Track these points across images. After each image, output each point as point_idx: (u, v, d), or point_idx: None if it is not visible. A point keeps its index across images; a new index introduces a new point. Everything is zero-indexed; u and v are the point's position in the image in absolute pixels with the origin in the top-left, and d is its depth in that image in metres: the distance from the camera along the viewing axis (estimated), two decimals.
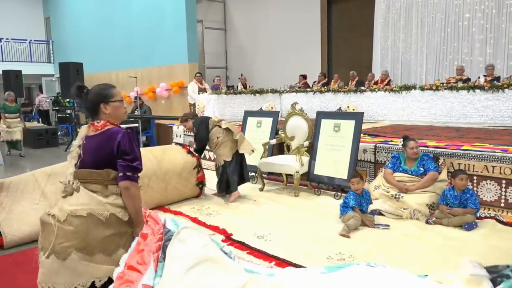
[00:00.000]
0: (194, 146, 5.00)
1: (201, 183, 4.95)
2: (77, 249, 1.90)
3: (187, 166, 4.79)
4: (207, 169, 6.07)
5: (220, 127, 4.87)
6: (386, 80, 9.31)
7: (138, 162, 2.01)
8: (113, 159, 1.98)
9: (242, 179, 4.98)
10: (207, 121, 4.94)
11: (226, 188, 4.90)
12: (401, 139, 4.49)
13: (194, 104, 9.36)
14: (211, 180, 5.20)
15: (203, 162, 5.16)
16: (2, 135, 8.78)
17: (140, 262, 1.93)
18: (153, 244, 2.01)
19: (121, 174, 1.97)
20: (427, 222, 3.84)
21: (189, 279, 1.92)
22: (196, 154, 4.95)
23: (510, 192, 4.02)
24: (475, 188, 4.19)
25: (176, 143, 5.47)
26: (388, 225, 3.78)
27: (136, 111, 9.74)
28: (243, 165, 4.96)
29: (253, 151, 4.92)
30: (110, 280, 1.92)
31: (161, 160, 4.61)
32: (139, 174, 2.05)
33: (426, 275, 2.04)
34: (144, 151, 4.38)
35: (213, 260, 2.04)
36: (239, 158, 4.90)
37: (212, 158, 6.35)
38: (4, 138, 8.81)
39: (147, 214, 2.13)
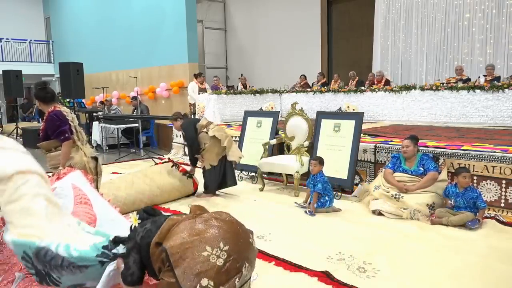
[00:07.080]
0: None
1: (185, 173, 4.96)
2: None
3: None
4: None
5: (207, 133, 4.83)
6: (383, 81, 9.24)
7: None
8: None
9: (225, 183, 4.98)
10: (195, 125, 4.90)
11: (205, 188, 4.99)
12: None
13: (194, 104, 9.35)
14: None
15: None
16: None
17: None
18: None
19: None
20: (432, 222, 3.82)
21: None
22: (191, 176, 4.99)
23: (510, 192, 4.03)
24: None
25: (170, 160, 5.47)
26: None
27: (134, 111, 9.75)
28: (226, 171, 4.95)
29: (240, 158, 4.95)
30: None
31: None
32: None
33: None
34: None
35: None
36: (223, 163, 4.90)
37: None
38: None
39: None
